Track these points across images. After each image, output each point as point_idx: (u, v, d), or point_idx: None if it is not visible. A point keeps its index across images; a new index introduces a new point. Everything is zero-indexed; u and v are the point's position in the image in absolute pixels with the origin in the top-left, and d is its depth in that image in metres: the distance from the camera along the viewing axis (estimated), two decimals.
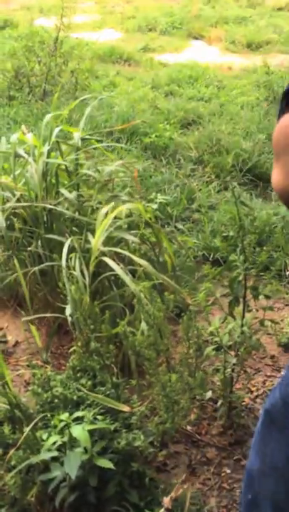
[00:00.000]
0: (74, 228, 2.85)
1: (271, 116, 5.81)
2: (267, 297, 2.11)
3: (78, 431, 1.79)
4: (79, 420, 1.90)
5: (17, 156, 2.92)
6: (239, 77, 7.85)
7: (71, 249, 2.58)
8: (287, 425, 1.18)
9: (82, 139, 2.99)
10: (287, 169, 0.95)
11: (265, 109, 6.04)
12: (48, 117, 3.05)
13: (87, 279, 2.46)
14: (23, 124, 4.49)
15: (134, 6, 12.73)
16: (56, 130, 2.86)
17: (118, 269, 2.39)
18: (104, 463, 1.82)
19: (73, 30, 7.31)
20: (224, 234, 3.67)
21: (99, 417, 1.93)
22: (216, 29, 10.75)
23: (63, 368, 2.43)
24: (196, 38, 10.49)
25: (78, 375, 2.20)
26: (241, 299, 2.14)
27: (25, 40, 6.59)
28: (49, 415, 2.00)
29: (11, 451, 1.90)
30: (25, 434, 1.84)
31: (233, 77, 7.78)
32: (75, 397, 2.05)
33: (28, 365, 2.62)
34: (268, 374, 2.53)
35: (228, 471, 2.15)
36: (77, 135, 2.84)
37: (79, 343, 2.25)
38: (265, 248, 2.56)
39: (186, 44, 10.11)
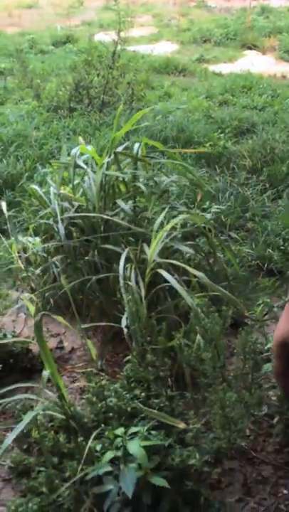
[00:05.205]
0: (130, 238, 2.87)
1: None
2: None
3: (135, 447, 1.78)
4: (132, 434, 1.89)
5: (76, 166, 2.97)
6: None
7: (127, 260, 2.59)
8: None
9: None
10: None
11: None
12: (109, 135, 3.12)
13: (142, 290, 2.46)
14: (80, 136, 4.59)
15: (190, 18, 12.91)
16: (121, 147, 2.90)
17: (174, 281, 2.38)
18: (159, 481, 1.80)
19: (130, 44, 7.45)
20: (280, 246, 3.58)
21: (152, 431, 1.91)
22: (270, 39, 10.69)
23: (117, 376, 2.43)
24: (250, 48, 10.46)
25: (132, 385, 2.20)
26: None
27: (85, 54, 6.75)
28: (103, 426, 2.01)
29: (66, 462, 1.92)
30: (86, 449, 1.85)
31: (287, 86, 7.67)
32: (129, 409, 2.05)
33: (83, 373, 2.65)
34: None
35: (286, 492, 2.08)
36: (136, 146, 2.86)
37: (134, 354, 2.25)
38: None
39: (240, 54, 10.09)
